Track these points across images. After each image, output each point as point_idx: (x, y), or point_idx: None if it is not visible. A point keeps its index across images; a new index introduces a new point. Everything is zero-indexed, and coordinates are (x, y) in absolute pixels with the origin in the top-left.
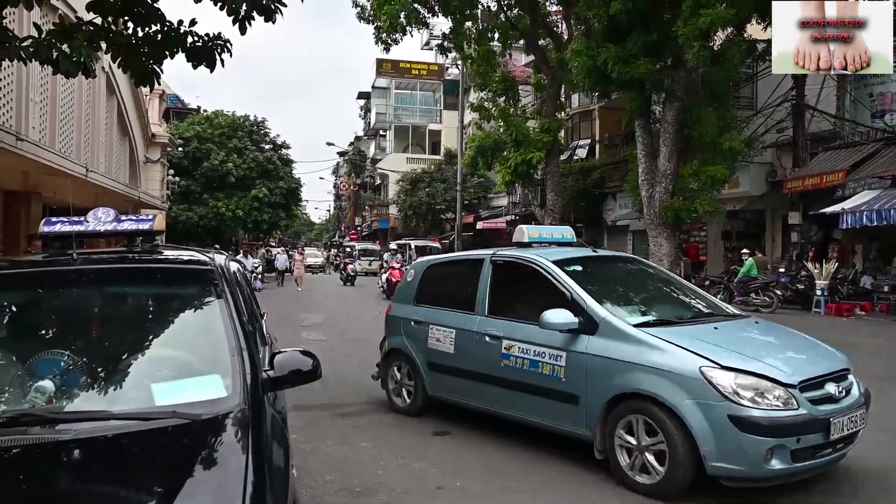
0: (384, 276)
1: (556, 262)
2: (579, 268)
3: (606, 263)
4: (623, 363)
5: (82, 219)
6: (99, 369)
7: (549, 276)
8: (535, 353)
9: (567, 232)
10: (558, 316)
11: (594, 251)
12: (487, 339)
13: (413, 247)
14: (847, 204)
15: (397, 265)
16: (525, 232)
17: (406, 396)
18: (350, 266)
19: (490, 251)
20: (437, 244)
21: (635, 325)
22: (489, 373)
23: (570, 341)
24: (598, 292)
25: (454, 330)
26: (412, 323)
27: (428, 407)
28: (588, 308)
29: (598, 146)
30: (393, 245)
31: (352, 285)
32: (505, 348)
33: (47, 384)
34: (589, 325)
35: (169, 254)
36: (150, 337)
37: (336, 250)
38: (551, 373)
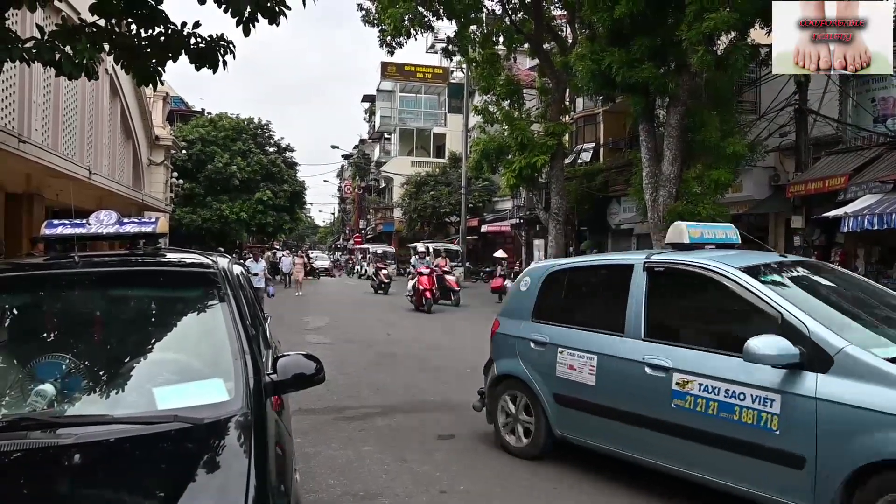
0: (410, 284)
1: (746, 271)
2: (778, 278)
3: (802, 271)
4: (883, 416)
5: (84, 221)
6: (100, 373)
7: (743, 290)
8: (727, 394)
9: (731, 231)
10: (771, 345)
11: (782, 256)
12: (648, 370)
13: (431, 249)
14: (849, 208)
15: (426, 270)
16: (685, 231)
17: (523, 434)
18: (383, 272)
19: (641, 254)
20: (456, 246)
21: (891, 360)
22: (652, 415)
23: (788, 380)
24: (816, 312)
25: (595, 356)
26: (531, 344)
27: (553, 448)
28: (813, 335)
29: (602, 150)
30: (420, 247)
31: (385, 293)
32: (677, 384)
33: (48, 388)
34: (817, 358)
35: (171, 256)
36: (152, 340)
37: (343, 253)
38: (756, 422)
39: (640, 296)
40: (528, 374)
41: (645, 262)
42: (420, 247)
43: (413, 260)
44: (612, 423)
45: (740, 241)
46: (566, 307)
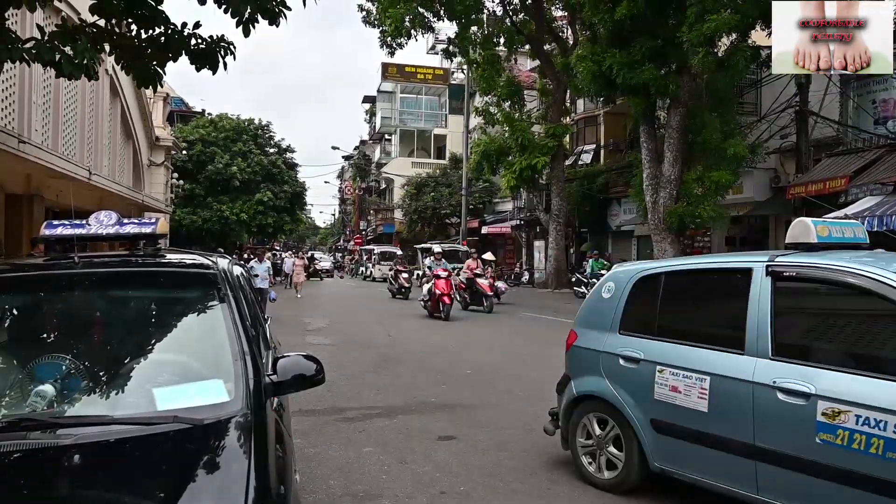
0: (425, 288)
1: None
2: None
3: None
4: None
5: (84, 222)
6: (100, 373)
7: None
8: None
9: (859, 230)
10: None
11: None
12: (781, 396)
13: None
14: (850, 210)
15: (444, 273)
16: (812, 228)
17: (609, 465)
18: (403, 275)
19: (760, 256)
20: (466, 247)
21: None
22: (787, 451)
23: None
24: None
25: (707, 377)
26: (620, 361)
27: (648, 482)
28: None
29: (602, 151)
30: (436, 248)
31: (405, 298)
32: (824, 415)
33: (48, 388)
34: None
35: (171, 257)
36: (152, 341)
37: (344, 254)
38: None
39: (764, 305)
40: (616, 396)
41: (768, 266)
42: (436, 248)
43: (428, 262)
44: (731, 458)
45: (868, 241)
46: (663, 318)
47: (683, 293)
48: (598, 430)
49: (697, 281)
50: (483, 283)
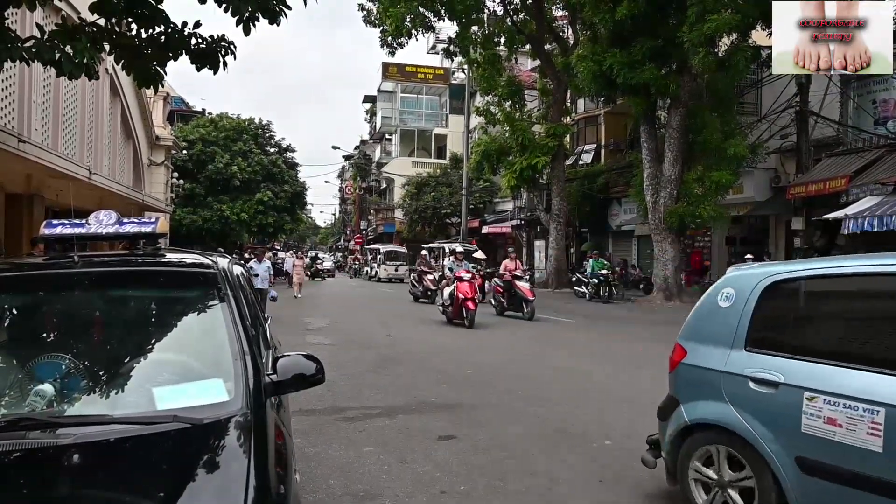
0: (447, 291)
1: None
2: None
3: None
4: None
5: (84, 221)
6: (100, 373)
7: None
8: None
9: None
10: None
11: None
12: None
13: (448, 250)
14: (850, 210)
15: (468, 275)
16: None
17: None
18: (429, 276)
19: None
20: (474, 246)
21: None
22: None
23: None
24: None
25: (881, 408)
26: (750, 384)
27: None
28: None
29: (603, 151)
30: (457, 248)
31: (430, 302)
32: None
33: (47, 388)
34: None
35: (171, 257)
36: (152, 340)
37: (344, 253)
38: None
39: None
40: (746, 427)
41: None
42: (458, 247)
43: (448, 262)
44: None
45: None
46: (809, 332)
47: (835, 302)
48: (719, 467)
49: (855, 287)
50: (523, 286)
